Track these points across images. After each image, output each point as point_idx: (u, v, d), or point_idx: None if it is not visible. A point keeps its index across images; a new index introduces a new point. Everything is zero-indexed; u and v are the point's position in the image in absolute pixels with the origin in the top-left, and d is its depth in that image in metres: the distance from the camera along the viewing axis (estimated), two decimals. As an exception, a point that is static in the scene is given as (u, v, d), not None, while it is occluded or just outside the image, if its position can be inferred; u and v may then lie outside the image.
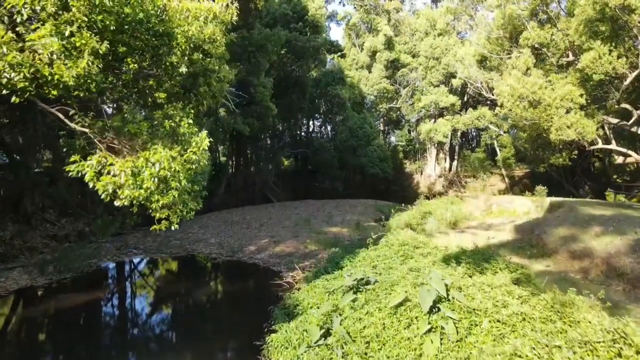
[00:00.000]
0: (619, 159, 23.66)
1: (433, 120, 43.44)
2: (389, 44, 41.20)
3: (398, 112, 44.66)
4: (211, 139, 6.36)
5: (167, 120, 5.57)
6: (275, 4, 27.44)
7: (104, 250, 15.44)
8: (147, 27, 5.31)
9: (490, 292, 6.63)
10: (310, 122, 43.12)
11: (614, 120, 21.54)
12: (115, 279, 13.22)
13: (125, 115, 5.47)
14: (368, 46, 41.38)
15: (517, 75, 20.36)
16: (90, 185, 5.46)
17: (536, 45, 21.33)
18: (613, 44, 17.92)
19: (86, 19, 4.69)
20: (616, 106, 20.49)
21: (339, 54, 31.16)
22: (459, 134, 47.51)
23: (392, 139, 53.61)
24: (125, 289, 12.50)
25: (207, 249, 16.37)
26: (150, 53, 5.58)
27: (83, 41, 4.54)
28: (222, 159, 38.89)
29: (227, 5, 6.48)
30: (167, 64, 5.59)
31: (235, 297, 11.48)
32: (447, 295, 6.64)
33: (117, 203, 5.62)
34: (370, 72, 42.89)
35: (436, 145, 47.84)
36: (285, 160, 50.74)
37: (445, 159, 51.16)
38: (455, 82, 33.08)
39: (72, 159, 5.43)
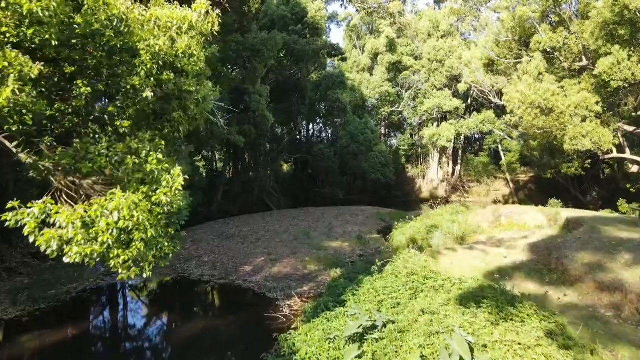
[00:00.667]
0: (634, 168, 22.51)
1: (436, 124, 42.34)
2: (391, 46, 40.08)
3: (400, 116, 43.53)
4: (205, 152, 5.23)
5: (129, 156, 4.47)
6: (274, 5, 26.29)
7: (87, 272, 14.32)
8: (100, 41, 4.23)
9: (525, 356, 5.52)
10: (311, 126, 42.05)
11: (630, 128, 20.43)
12: (94, 311, 12.08)
13: (78, 149, 4.38)
14: (369, 48, 40.27)
15: (528, 81, 19.24)
16: (31, 239, 4.35)
17: (548, 49, 20.21)
18: (633, 49, 16.80)
19: (15, 33, 3.61)
20: (634, 114, 19.37)
21: (340, 57, 30.07)
22: (462, 137, 46.39)
23: (394, 141, 52.54)
24: (104, 324, 11.38)
25: (198, 269, 15.26)
26: (106, 73, 4.50)
27: (6, 63, 3.45)
28: (219, 165, 37.81)
29: (207, 12, 5.36)
30: (129, 87, 4.50)
31: (225, 337, 10.32)
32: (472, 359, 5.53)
33: (66, 260, 4.50)
34: (371, 74, 41.80)
35: (439, 149, 46.75)
36: (285, 165, 49.69)
37: (448, 163, 50.05)
38: (461, 87, 32.04)
39: (9, 205, 4.31)
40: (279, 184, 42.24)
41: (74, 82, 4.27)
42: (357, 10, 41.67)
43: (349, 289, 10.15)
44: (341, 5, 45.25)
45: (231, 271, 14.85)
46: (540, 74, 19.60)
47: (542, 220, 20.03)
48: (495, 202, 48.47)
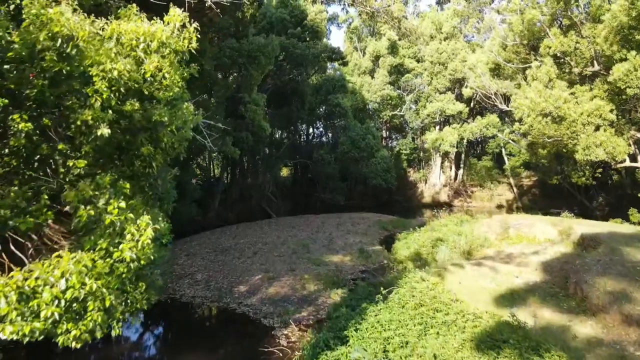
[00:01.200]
0: (646, 177, 21.60)
1: (438, 128, 41.46)
2: (393, 49, 39.21)
3: (401, 119, 42.65)
4: (200, 160, 4.36)
5: (83, 207, 3.60)
6: (272, 7, 25.36)
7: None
8: (40, 66, 3.37)
9: None
10: (311, 129, 41.18)
11: (644, 136, 19.51)
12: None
13: (17, 200, 3.51)
14: (371, 51, 39.40)
15: (538, 88, 18.35)
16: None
17: (558, 54, 19.31)
18: (650, 55, 15.90)
19: None
20: (649, 122, 18.48)
21: (341, 61, 29.19)
22: (465, 141, 45.48)
23: (395, 143, 51.63)
24: None
25: (191, 289, 14.38)
26: (51, 106, 3.65)
27: None
28: (217, 170, 36.95)
29: (184, 25, 4.46)
30: (79, 122, 3.63)
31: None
32: None
33: (2, 336, 3.60)
34: (373, 77, 40.94)
35: (441, 153, 45.85)
36: (285, 169, 48.82)
37: (451, 167, 49.14)
38: (466, 92, 31.12)
39: None
40: (278, 188, 41.36)
41: (10, 117, 3.43)
42: (359, 15, 40.80)
43: (352, 322, 9.26)
44: (342, 8, 44.34)
45: (225, 292, 13.96)
46: (550, 80, 18.71)
47: (554, 234, 19.12)
48: (498, 207, 47.62)
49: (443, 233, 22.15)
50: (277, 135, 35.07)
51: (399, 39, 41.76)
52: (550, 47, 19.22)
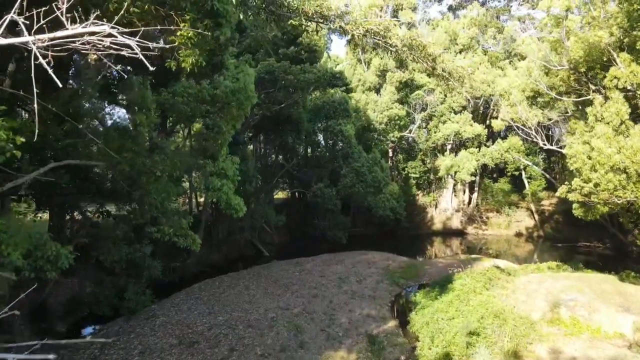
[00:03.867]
0: None
1: (450, 148, 36.86)
2: (402, 62, 34.62)
3: (411, 140, 38.07)
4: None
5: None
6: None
7: None
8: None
9: None
10: (309, 149, 36.59)
11: None
12: None
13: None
14: (377, 64, 34.86)
15: (606, 133, 13.77)
16: None
17: (629, 87, 14.74)
18: None
19: None
20: None
21: (344, 88, 24.74)
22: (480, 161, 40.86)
23: (402, 165, 47.02)
24: None
25: None
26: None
27: None
28: (200, 199, 32.36)
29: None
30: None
31: None
32: None
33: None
34: (378, 93, 36.37)
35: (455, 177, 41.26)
36: (281, 192, 44.29)
37: (464, 191, 44.56)
38: (497, 125, 26.54)
39: None
40: (274, 213, 36.82)
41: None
42: (358, 48, 36.15)
43: None
44: (345, 43, 39.45)
45: None
46: (622, 122, 14.17)
47: (627, 327, 14.50)
48: (517, 235, 42.97)
49: (472, 308, 17.58)
50: (271, 157, 30.48)
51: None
52: (618, 79, 14.65)
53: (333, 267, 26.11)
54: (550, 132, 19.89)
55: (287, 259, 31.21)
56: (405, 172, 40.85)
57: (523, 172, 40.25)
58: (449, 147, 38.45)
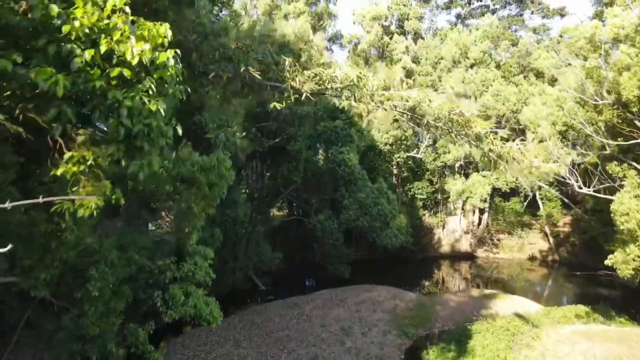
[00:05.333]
0: None
1: (463, 174, 34.30)
2: (408, 78, 32.06)
3: (418, 160, 35.52)
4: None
5: None
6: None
7: None
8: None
9: None
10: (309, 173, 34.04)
11: None
12: None
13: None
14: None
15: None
16: None
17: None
18: None
19: None
20: None
21: (348, 121, 22.13)
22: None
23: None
24: None
25: None
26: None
27: None
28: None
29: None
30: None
31: None
32: None
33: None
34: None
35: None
36: (279, 212, 41.77)
37: (474, 211, 41.88)
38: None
39: None
40: (269, 239, 34.24)
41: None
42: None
43: None
44: (348, 55, 36.33)
45: None
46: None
47: None
48: (530, 259, 40.31)
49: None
50: (265, 184, 27.90)
51: (413, 61, 34.53)
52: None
53: (335, 312, 23.52)
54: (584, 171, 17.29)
55: (286, 291, 28.79)
56: (412, 192, 38.24)
57: (537, 192, 37.58)
58: (458, 165, 35.87)
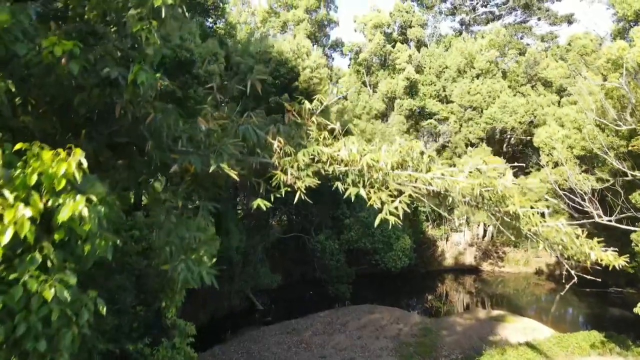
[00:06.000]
0: None
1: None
2: (412, 88, 30.95)
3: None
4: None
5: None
6: (242, 57, 16.65)
7: None
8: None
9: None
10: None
11: None
12: None
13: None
14: (384, 90, 31.15)
15: None
16: None
17: None
18: None
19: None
20: None
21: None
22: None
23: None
24: None
25: None
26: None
27: None
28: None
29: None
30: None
31: None
32: None
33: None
34: (385, 121, 32.66)
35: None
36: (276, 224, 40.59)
37: (478, 223, 40.73)
38: (537, 188, 22.55)
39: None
40: (267, 255, 33.07)
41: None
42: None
43: None
44: (349, 63, 34.77)
45: None
46: None
47: None
48: (537, 273, 39.07)
49: None
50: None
51: (416, 71, 33.29)
52: None
53: (335, 339, 22.34)
54: (602, 196, 16.09)
55: (284, 311, 27.68)
56: (415, 205, 37.02)
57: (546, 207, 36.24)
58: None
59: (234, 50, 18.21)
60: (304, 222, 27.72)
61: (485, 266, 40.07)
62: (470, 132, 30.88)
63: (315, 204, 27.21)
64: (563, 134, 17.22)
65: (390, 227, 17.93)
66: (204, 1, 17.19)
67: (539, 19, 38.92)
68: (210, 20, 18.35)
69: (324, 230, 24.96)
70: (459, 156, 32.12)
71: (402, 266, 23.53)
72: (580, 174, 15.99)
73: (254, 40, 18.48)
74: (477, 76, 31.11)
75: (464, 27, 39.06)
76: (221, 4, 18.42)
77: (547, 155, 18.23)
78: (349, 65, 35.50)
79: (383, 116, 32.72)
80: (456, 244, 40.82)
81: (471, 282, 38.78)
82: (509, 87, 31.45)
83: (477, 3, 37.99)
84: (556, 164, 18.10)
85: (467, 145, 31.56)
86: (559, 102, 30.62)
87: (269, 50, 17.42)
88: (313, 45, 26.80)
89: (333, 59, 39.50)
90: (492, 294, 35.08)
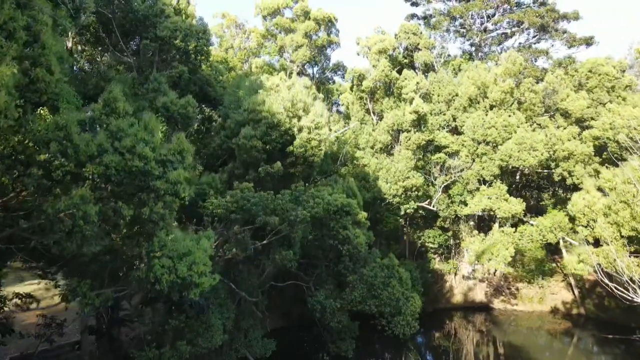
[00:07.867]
0: None
1: (481, 226, 30.62)
2: (420, 121, 28.43)
3: (429, 211, 31.86)
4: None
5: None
6: (234, 117, 14.32)
7: None
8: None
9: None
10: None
11: None
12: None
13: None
14: (390, 123, 28.61)
15: None
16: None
17: None
18: None
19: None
20: None
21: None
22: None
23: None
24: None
25: None
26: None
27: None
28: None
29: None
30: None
31: None
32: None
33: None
34: (390, 154, 30.12)
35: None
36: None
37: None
38: (577, 269, 19.83)
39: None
40: (264, 295, 30.44)
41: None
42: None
43: None
44: (351, 85, 32.22)
45: None
46: None
47: None
48: (553, 311, 36.46)
49: None
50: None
51: (423, 98, 30.73)
52: None
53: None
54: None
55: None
56: (422, 240, 34.60)
57: (561, 240, 33.78)
58: (475, 216, 32.20)
59: (220, 97, 15.72)
60: (302, 275, 25.06)
61: (497, 303, 37.44)
62: (483, 169, 28.32)
63: (315, 262, 24.89)
64: (604, 203, 14.65)
65: (398, 285, 14.91)
66: (184, 46, 14.71)
67: (554, 41, 36.35)
68: (189, 66, 15.74)
69: (324, 287, 22.40)
70: (470, 192, 29.60)
71: (412, 333, 20.94)
72: (630, 257, 13.47)
73: (242, 94, 15.98)
74: (491, 107, 28.57)
75: (474, 48, 36.51)
76: (205, 48, 15.90)
77: (586, 227, 15.70)
78: (352, 93, 32.94)
79: (387, 148, 30.17)
80: (465, 279, 38.22)
81: (481, 320, 36.22)
82: (525, 118, 28.90)
83: (489, 23, 35.47)
84: (597, 241, 15.61)
85: (479, 182, 29.01)
86: (579, 134, 28.12)
87: (258, 109, 14.90)
88: (312, 78, 24.42)
89: (334, 81, 36.90)
90: (504, 339, 32.61)
